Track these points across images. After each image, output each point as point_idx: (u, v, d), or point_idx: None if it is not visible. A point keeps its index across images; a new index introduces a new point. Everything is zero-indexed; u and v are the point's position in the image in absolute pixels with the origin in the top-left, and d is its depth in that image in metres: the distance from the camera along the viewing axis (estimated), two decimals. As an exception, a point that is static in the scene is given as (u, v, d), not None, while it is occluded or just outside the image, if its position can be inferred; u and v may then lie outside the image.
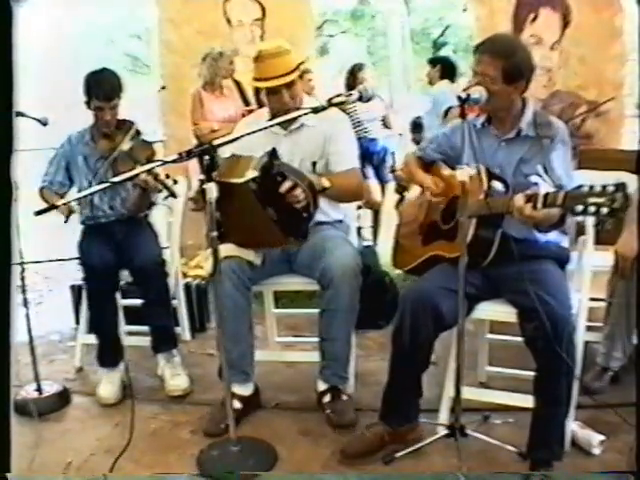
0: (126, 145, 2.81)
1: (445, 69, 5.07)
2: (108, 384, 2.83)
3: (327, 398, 2.59)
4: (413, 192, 2.62)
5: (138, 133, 2.94)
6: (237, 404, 2.53)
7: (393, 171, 4.82)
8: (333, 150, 2.59)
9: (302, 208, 2.37)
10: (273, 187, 2.32)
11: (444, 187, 2.38)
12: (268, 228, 2.36)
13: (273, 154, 2.35)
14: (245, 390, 2.61)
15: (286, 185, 2.32)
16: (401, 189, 4.42)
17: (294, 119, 2.50)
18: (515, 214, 2.02)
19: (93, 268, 2.80)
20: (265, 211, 2.32)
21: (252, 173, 2.25)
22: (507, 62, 2.14)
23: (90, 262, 2.82)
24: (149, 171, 2.50)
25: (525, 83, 2.21)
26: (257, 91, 4.69)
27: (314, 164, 2.58)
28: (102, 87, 2.84)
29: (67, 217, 2.60)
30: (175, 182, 2.65)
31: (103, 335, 2.88)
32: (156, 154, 2.95)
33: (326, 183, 2.46)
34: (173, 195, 2.62)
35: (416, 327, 2.17)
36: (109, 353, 2.88)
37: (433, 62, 5.28)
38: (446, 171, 2.43)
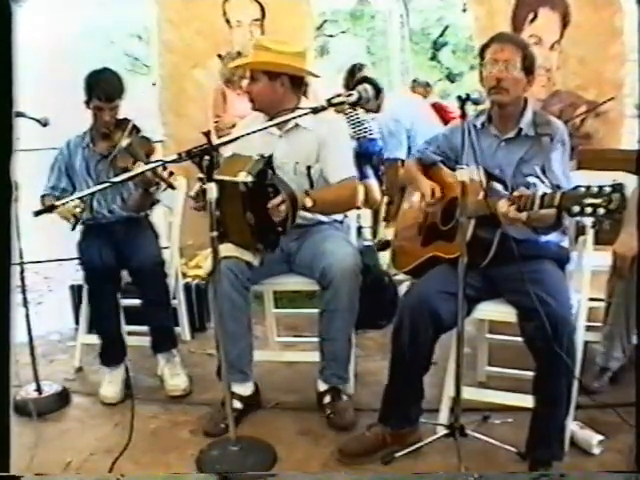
0: (124, 141, 2.79)
1: None
2: (110, 384, 2.82)
3: (327, 399, 2.59)
4: (410, 196, 2.62)
5: (136, 129, 2.93)
6: (237, 404, 2.53)
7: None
8: (326, 158, 2.56)
9: (278, 222, 2.38)
10: (261, 195, 2.33)
11: (441, 194, 2.38)
12: (243, 230, 2.41)
13: (269, 162, 2.37)
14: (244, 390, 2.61)
15: (276, 200, 2.33)
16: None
17: (288, 119, 2.50)
18: (501, 219, 2.04)
19: (93, 267, 2.79)
20: (244, 214, 2.36)
21: (247, 177, 2.28)
22: (525, 52, 2.23)
23: (90, 261, 2.81)
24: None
25: (532, 80, 2.26)
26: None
27: (309, 168, 2.57)
28: (104, 88, 2.83)
29: (74, 224, 2.52)
30: (171, 174, 2.62)
31: (105, 334, 2.87)
32: (155, 149, 2.95)
33: (309, 203, 2.45)
34: (171, 187, 2.57)
35: (415, 332, 2.17)
36: (112, 352, 2.88)
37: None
38: (446, 172, 2.43)
